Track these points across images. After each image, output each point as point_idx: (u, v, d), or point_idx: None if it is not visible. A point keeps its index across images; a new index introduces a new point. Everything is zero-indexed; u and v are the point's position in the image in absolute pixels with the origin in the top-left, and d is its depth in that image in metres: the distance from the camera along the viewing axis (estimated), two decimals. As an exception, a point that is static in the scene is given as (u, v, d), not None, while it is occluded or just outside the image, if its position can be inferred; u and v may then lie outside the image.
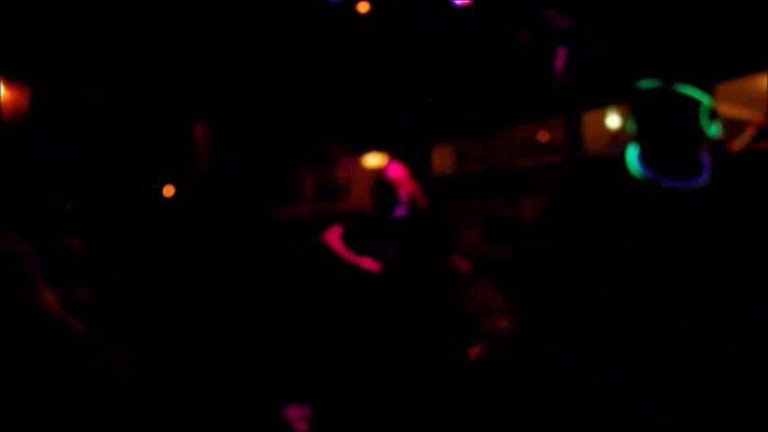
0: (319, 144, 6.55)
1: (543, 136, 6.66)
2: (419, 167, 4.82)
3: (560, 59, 4.78)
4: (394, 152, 5.54)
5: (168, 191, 6.53)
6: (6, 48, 5.79)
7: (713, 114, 2.41)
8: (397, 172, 4.40)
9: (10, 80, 6.02)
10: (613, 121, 6.77)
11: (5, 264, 2.62)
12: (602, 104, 6.14)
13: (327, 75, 6.16)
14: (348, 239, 4.33)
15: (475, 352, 4.19)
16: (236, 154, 6.42)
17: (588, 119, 6.12)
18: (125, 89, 6.29)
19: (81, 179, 5.91)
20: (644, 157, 2.39)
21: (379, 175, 4.45)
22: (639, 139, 2.39)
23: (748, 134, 5.25)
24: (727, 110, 6.38)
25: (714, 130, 2.40)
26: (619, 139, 6.48)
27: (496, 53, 5.37)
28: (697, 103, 2.37)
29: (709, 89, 2.39)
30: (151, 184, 6.42)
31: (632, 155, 2.41)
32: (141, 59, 6.15)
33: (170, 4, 5.73)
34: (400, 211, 4.40)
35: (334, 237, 4.34)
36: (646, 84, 2.40)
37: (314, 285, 4.01)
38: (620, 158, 2.43)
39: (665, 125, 2.37)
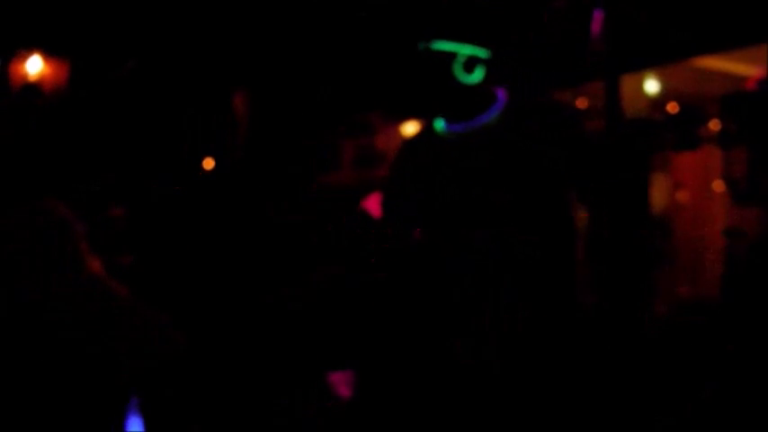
0: (359, 113, 6.56)
1: (582, 102, 6.63)
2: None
3: (597, 23, 4.75)
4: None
5: (208, 163, 6.57)
6: (45, 23, 5.84)
7: (472, 62, 2.70)
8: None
9: (50, 55, 6.08)
10: (652, 85, 6.73)
11: (54, 229, 2.68)
12: (641, 68, 6.11)
13: (366, 44, 6.16)
14: (387, 206, 4.35)
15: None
16: (275, 124, 6.44)
17: (627, 83, 6.09)
18: (163, 62, 6.33)
19: (122, 152, 5.97)
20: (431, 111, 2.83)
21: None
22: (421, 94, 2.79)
23: None
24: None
25: (475, 76, 2.71)
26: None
27: (534, 19, 5.35)
28: (450, 55, 2.68)
29: (472, 41, 2.69)
30: (192, 155, 6.47)
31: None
32: (178, 32, 6.18)
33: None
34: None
35: (373, 204, 4.36)
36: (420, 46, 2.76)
37: (357, 254, 4.02)
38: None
39: (424, 79, 2.75)
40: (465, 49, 2.71)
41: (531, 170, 2.58)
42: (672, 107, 7.33)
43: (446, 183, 2.72)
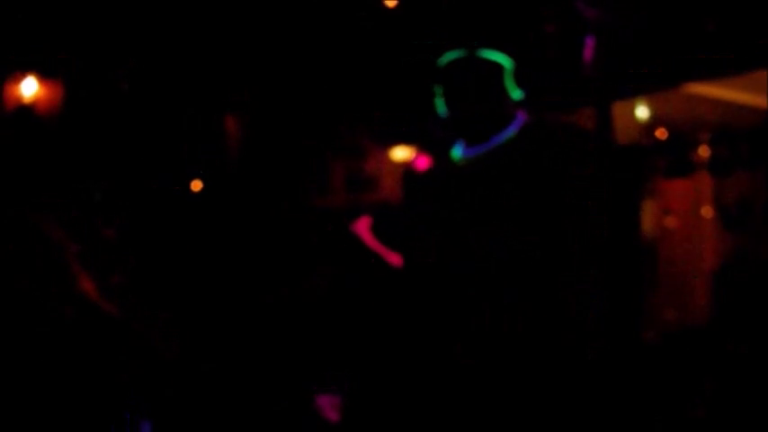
0: (350, 136, 6.59)
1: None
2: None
3: (589, 49, 4.78)
4: (422, 145, 5.56)
5: (196, 185, 6.58)
6: (39, 45, 5.85)
7: (517, 78, 2.50)
8: (426, 164, 4.43)
9: (44, 77, 6.09)
10: (642, 111, 6.77)
11: (46, 250, 2.68)
12: (632, 94, 6.14)
13: (357, 68, 6.19)
14: (377, 230, 4.36)
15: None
16: (267, 146, 6.46)
17: (618, 109, 6.12)
18: (155, 84, 6.34)
19: (114, 172, 5.97)
20: (455, 129, 2.55)
21: (408, 167, 4.49)
22: (448, 110, 2.53)
23: None
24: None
25: (518, 93, 2.51)
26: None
27: (525, 44, 5.37)
28: (499, 66, 2.46)
29: (513, 53, 2.49)
30: (182, 177, 6.47)
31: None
32: (170, 54, 6.20)
33: (200, 0, 5.77)
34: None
35: (363, 227, 4.37)
36: (450, 56, 2.51)
37: (345, 274, 4.03)
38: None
39: (469, 90, 2.48)
40: (508, 63, 2.50)
41: (551, 191, 2.42)
42: (661, 133, 7.38)
43: (471, 212, 2.52)
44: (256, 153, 6.54)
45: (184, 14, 5.87)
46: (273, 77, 6.38)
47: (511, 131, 2.53)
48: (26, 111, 5.95)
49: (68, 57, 5.98)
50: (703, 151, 6.89)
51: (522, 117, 2.57)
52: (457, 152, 2.62)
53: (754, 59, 5.33)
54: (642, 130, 6.94)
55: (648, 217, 7.41)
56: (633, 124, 6.71)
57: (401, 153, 6.62)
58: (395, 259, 4.21)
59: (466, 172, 2.57)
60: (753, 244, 6.24)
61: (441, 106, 2.56)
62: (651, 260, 7.35)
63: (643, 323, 6.39)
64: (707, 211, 7.22)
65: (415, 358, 2.56)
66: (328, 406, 3.51)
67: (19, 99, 5.96)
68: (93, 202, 5.61)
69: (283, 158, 6.52)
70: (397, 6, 5.48)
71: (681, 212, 7.54)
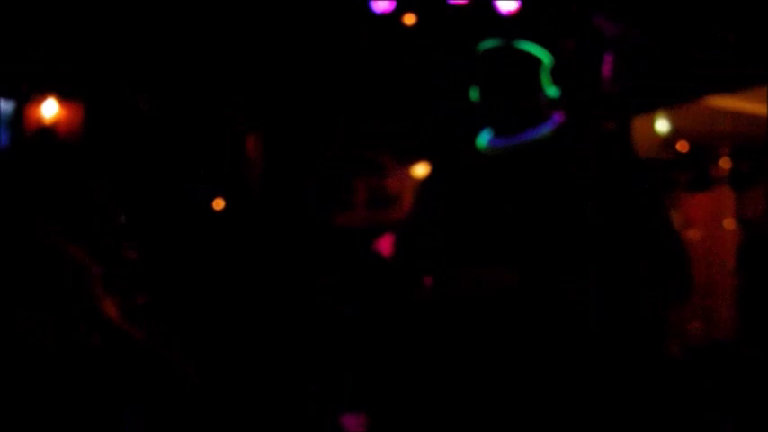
0: (370, 154, 6.60)
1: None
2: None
3: (608, 65, 4.79)
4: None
5: (218, 204, 6.60)
6: (60, 66, 5.89)
7: (554, 74, 2.41)
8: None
9: (64, 98, 6.12)
10: (662, 125, 6.75)
11: (68, 273, 2.68)
12: (652, 109, 6.14)
13: (379, 87, 6.20)
14: (399, 248, 4.36)
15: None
16: (288, 166, 6.48)
17: (638, 123, 6.11)
18: (175, 104, 6.37)
19: (136, 192, 6.00)
20: (486, 118, 2.49)
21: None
22: (482, 101, 2.47)
23: None
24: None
25: (553, 90, 2.43)
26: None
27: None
28: (537, 60, 2.40)
29: (552, 48, 2.40)
30: (205, 197, 6.49)
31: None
32: (190, 74, 6.23)
33: (220, 20, 5.80)
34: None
35: (385, 245, 4.37)
36: (486, 44, 2.45)
37: (368, 292, 4.04)
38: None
39: (505, 81, 2.42)
40: (547, 58, 2.43)
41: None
42: (682, 146, 7.36)
43: (503, 199, 2.43)
44: (278, 172, 6.56)
45: (205, 34, 5.91)
46: (295, 96, 6.40)
47: (545, 129, 2.46)
48: (47, 132, 5.99)
49: (89, 78, 6.02)
50: (724, 164, 6.86)
51: (557, 117, 2.51)
52: (483, 140, 2.55)
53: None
54: (663, 143, 6.92)
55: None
56: (653, 138, 6.69)
57: (423, 170, 6.62)
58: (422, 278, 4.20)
59: (491, 163, 2.50)
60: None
61: (474, 93, 2.51)
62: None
63: (668, 336, 6.35)
64: (729, 224, 7.19)
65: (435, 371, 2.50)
66: (354, 425, 3.51)
67: (40, 120, 6.00)
68: (116, 224, 5.63)
69: (304, 177, 6.53)
70: (417, 24, 5.51)
71: (703, 225, 7.51)
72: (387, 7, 5.40)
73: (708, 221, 7.42)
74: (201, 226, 6.34)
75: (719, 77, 5.48)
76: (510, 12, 5.02)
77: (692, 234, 7.57)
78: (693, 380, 5.36)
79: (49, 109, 6.06)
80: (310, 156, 6.55)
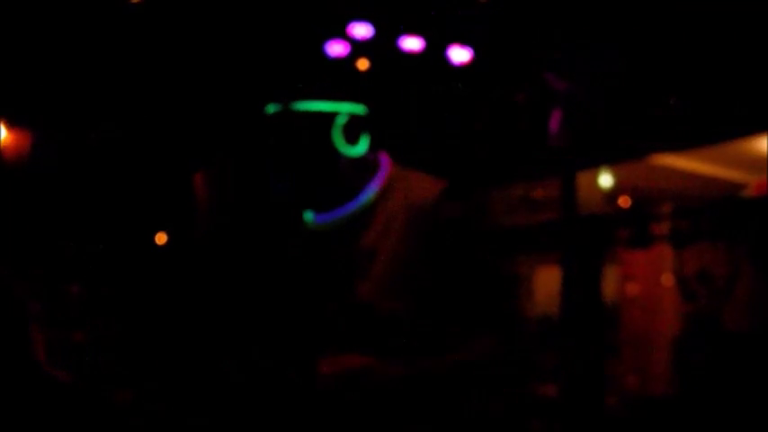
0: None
1: (538, 193, 6.72)
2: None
3: (556, 120, 4.87)
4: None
5: (160, 238, 6.56)
6: (8, 91, 5.84)
7: (355, 129, 2.11)
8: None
9: (12, 123, 6.07)
10: (606, 180, 6.85)
11: (8, 310, 2.65)
12: (597, 164, 6.22)
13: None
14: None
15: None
16: (237, 202, 6.46)
17: (582, 178, 6.19)
18: (125, 136, 6.34)
19: (82, 225, 5.94)
20: (290, 192, 2.21)
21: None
22: (279, 172, 2.20)
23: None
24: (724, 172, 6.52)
25: (360, 147, 2.13)
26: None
27: (493, 112, 5.46)
28: (327, 118, 2.09)
29: (352, 100, 2.10)
30: (150, 231, 6.46)
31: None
32: (141, 106, 6.21)
33: (171, 55, 5.79)
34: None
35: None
36: (269, 110, 2.15)
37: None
38: None
39: (290, 150, 2.12)
40: (344, 108, 2.11)
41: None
42: (624, 201, 7.46)
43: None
44: (226, 209, 6.54)
45: (156, 67, 5.90)
46: (245, 134, 6.40)
47: (369, 192, 2.19)
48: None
49: (37, 104, 5.97)
50: (664, 222, 6.96)
51: (385, 165, 2.24)
52: (309, 217, 2.29)
53: (718, 133, 5.44)
54: (605, 198, 7.01)
55: (610, 284, 7.45)
56: (596, 193, 6.78)
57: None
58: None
59: (326, 239, 2.25)
60: (712, 314, 6.32)
61: (272, 169, 2.23)
62: (613, 327, 7.39)
63: (605, 389, 6.41)
64: (668, 280, 7.28)
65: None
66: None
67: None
68: (60, 257, 5.59)
69: (254, 212, 6.52)
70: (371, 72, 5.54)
71: (642, 280, 7.59)
72: (341, 51, 5.44)
73: (647, 277, 7.50)
74: (145, 260, 6.30)
75: (665, 136, 5.59)
76: (463, 63, 5.09)
77: (631, 288, 7.65)
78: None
79: (-4, 135, 6.00)
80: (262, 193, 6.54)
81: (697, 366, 6.10)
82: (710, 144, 5.82)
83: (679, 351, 6.53)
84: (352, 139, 2.12)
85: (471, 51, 5.08)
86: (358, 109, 2.13)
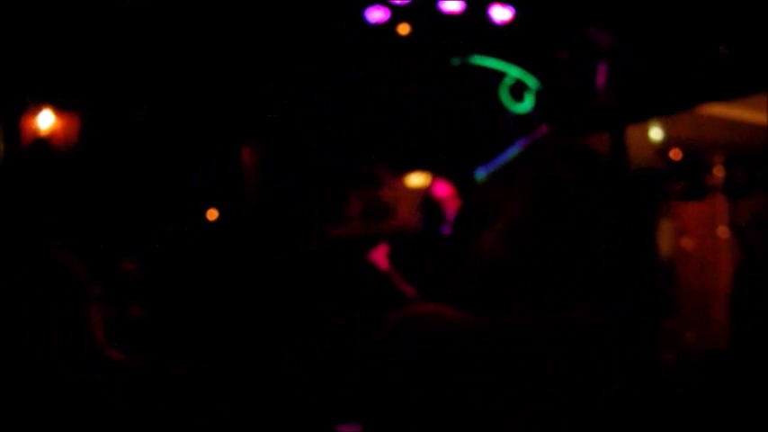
0: (365, 166, 6.61)
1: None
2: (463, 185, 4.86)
3: (602, 75, 4.80)
4: (438, 171, 5.56)
5: (212, 214, 6.60)
6: (56, 77, 5.89)
7: (520, 88, 2.24)
8: (444, 190, 4.43)
9: (60, 109, 6.12)
10: (656, 133, 6.77)
11: (66, 290, 2.67)
12: (646, 118, 6.15)
13: (372, 100, 6.22)
14: (395, 258, 4.36)
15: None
16: (284, 177, 6.49)
17: (632, 132, 6.13)
18: (172, 114, 6.38)
19: (134, 204, 6.00)
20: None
21: (425, 194, 4.49)
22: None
23: None
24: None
25: (524, 105, 2.26)
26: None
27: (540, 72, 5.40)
28: (497, 76, 2.22)
29: (519, 60, 2.23)
30: (200, 208, 6.50)
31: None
32: (188, 83, 6.24)
33: (216, 32, 5.81)
34: (447, 230, 4.41)
35: (380, 256, 4.37)
36: (453, 62, 2.29)
37: (365, 303, 4.04)
38: None
39: (460, 103, 2.26)
40: (512, 71, 2.30)
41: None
42: (675, 154, 7.37)
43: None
44: (272, 183, 6.57)
45: (200, 47, 5.92)
46: (290, 109, 6.41)
47: (515, 149, 2.33)
48: (43, 144, 5.99)
49: (84, 89, 6.02)
50: (718, 173, 6.88)
51: (537, 132, 2.37)
52: (479, 173, 2.45)
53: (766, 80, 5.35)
54: (656, 152, 6.94)
55: (665, 238, 7.40)
56: (647, 146, 6.71)
57: (417, 179, 6.63)
58: (407, 290, 4.20)
59: (478, 193, 2.41)
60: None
61: (439, 119, 2.41)
62: (669, 281, 7.34)
63: (661, 345, 6.36)
64: (723, 232, 7.21)
65: None
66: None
67: (36, 132, 6.00)
68: (114, 236, 5.66)
69: (299, 188, 6.54)
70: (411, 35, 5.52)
71: (697, 233, 7.53)
72: (381, 17, 5.42)
73: (701, 230, 7.44)
74: (197, 236, 6.35)
75: (714, 86, 5.51)
76: (504, 21, 5.04)
77: (686, 242, 7.60)
78: (688, 388, 5.38)
79: (45, 120, 6.06)
80: (304, 167, 6.57)
81: (755, 319, 6.03)
82: (760, 92, 5.71)
83: (736, 304, 6.47)
84: (517, 97, 2.27)
85: (512, 10, 5.03)
86: (525, 76, 2.29)
